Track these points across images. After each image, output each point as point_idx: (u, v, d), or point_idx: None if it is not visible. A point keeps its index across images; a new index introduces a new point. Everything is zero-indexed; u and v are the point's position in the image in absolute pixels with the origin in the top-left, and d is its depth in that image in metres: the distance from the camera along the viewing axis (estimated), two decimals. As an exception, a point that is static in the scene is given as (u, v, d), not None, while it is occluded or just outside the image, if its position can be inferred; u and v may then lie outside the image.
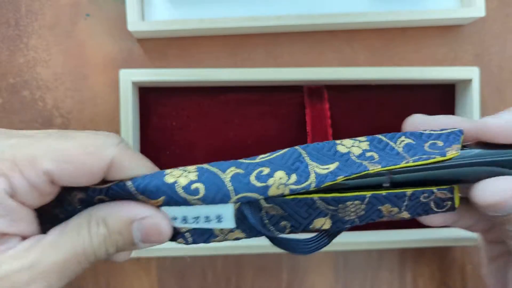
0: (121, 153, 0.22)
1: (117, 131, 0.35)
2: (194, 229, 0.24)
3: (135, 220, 0.22)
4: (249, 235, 0.25)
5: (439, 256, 0.39)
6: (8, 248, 0.21)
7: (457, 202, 0.26)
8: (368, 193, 0.25)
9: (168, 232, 0.23)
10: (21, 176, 0.21)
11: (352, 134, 0.37)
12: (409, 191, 0.25)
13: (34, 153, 0.21)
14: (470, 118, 0.31)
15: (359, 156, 0.25)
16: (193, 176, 0.23)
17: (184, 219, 0.23)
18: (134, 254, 0.35)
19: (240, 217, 0.24)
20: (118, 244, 0.22)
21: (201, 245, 0.35)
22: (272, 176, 0.23)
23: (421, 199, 0.26)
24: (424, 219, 0.28)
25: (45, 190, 0.21)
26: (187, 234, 0.25)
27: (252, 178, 0.23)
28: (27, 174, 0.21)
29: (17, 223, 0.21)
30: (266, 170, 0.23)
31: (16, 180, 0.21)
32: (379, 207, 0.25)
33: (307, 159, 0.24)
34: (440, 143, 0.26)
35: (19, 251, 0.21)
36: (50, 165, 0.21)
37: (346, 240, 0.36)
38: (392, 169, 0.24)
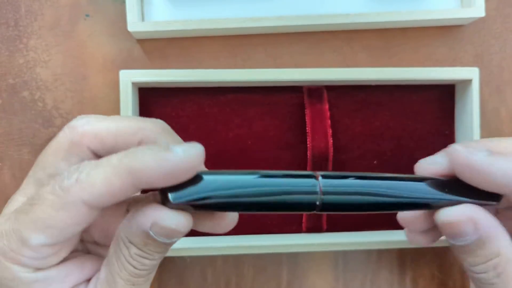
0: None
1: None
2: None
3: (147, 230, 0.21)
4: None
5: (439, 256, 0.39)
6: None
7: None
8: None
9: (179, 224, 0.21)
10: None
11: (351, 134, 0.38)
12: None
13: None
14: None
15: None
16: None
17: None
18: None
19: None
20: (157, 250, 0.22)
21: (201, 245, 0.36)
22: None
23: None
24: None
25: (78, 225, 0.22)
26: None
27: None
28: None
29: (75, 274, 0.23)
30: None
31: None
32: None
33: None
34: None
35: None
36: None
37: (346, 240, 0.36)
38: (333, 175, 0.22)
